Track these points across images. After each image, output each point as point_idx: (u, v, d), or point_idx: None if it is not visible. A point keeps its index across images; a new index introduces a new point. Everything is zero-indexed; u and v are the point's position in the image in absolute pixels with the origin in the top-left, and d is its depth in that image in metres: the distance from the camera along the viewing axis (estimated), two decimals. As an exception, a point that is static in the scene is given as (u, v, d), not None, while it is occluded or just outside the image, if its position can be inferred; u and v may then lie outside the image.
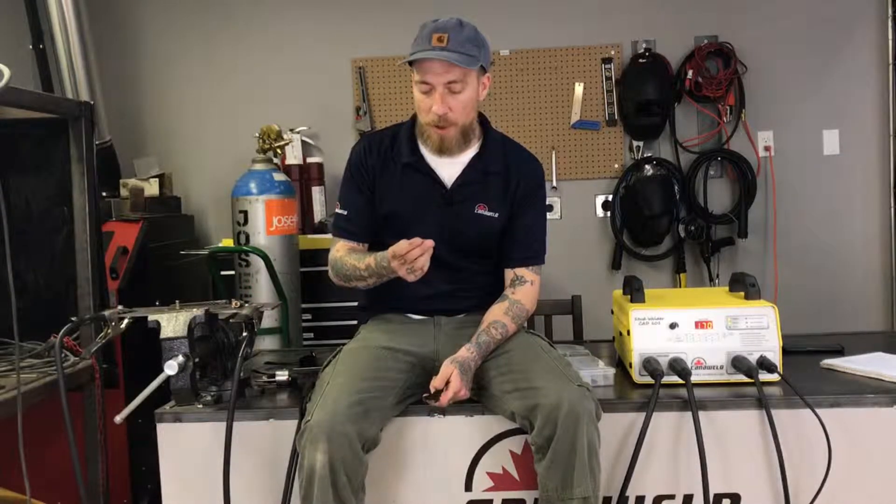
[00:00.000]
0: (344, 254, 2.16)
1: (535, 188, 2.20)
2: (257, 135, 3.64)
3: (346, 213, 2.20)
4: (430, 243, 1.89)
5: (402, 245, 1.88)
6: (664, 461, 1.98)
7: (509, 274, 2.18)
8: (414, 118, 2.21)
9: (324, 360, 2.12)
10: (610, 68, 4.24)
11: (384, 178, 2.18)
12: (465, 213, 2.14)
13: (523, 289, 2.15)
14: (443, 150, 2.13)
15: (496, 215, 2.15)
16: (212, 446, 1.94)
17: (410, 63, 2.06)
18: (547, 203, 4.05)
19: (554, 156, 4.27)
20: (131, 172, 4.07)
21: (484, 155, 2.17)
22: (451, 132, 2.10)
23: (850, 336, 2.52)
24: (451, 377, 1.89)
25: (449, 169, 2.16)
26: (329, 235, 3.62)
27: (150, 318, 1.95)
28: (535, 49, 4.26)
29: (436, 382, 1.90)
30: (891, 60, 4.12)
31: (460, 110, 2.07)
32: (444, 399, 1.88)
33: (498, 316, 2.08)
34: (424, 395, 1.94)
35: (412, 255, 1.88)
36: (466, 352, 1.97)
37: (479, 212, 2.14)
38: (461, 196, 2.15)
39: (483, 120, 2.23)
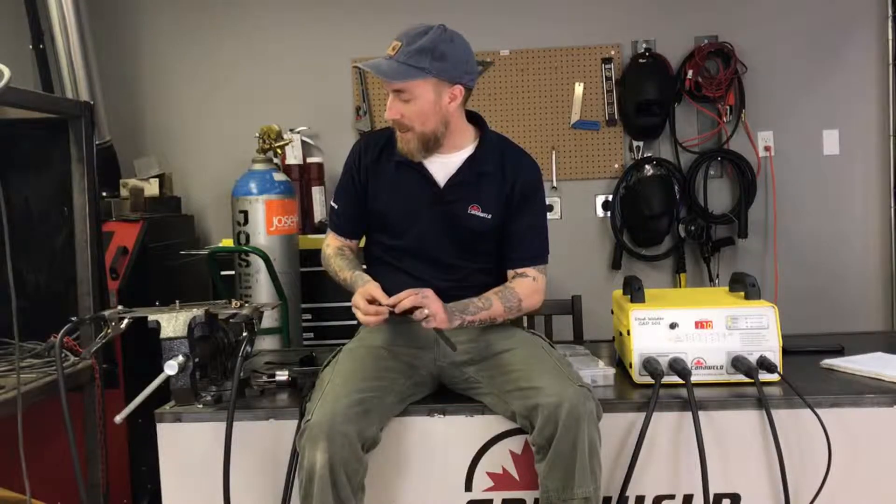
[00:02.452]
0: (333, 252, 2.23)
1: (532, 189, 2.19)
2: (257, 135, 3.64)
3: (337, 207, 2.26)
4: (383, 316, 1.93)
5: (369, 309, 1.94)
6: (664, 461, 1.98)
7: (511, 274, 2.18)
8: None
9: (324, 360, 2.12)
10: (610, 68, 4.24)
11: (379, 176, 2.18)
12: (458, 213, 2.14)
13: (522, 281, 2.15)
14: (407, 154, 2.11)
15: (489, 216, 2.14)
16: (212, 446, 1.94)
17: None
18: (547, 203, 4.06)
19: (554, 156, 4.28)
20: (131, 172, 4.07)
21: (478, 155, 2.16)
22: (409, 136, 2.09)
23: (850, 336, 2.51)
24: (423, 297, 1.92)
25: (442, 168, 2.16)
26: (329, 235, 3.56)
27: (150, 318, 1.95)
28: (535, 49, 4.26)
29: (398, 297, 1.92)
30: (891, 60, 4.12)
31: (414, 118, 2.06)
32: (409, 294, 1.91)
33: (488, 294, 2.09)
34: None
35: (369, 318, 1.94)
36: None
37: (472, 212, 2.14)
38: (453, 196, 2.14)
39: (479, 121, 2.22)
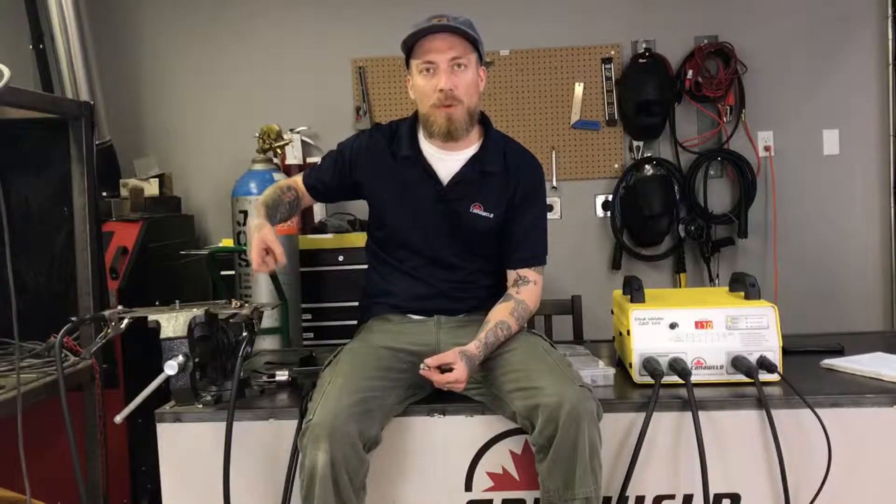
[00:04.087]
0: (282, 184, 2.25)
1: (535, 189, 2.20)
2: (257, 135, 3.64)
3: (319, 166, 2.29)
4: (271, 268, 1.99)
5: (261, 264, 1.96)
6: (664, 461, 1.98)
7: (512, 275, 2.18)
8: (415, 116, 2.21)
9: (324, 360, 2.12)
10: (610, 68, 4.24)
11: (380, 174, 2.18)
12: (460, 212, 2.14)
13: (527, 288, 2.14)
14: (450, 133, 2.10)
15: (491, 216, 2.14)
16: (212, 446, 1.94)
17: (410, 49, 2.08)
18: (547, 203, 4.05)
19: (554, 156, 4.27)
20: (131, 172, 4.07)
21: (483, 154, 2.16)
22: (459, 111, 2.08)
23: (850, 336, 2.51)
24: (455, 364, 1.90)
25: (446, 166, 2.16)
26: (330, 235, 3.65)
27: (150, 318, 1.95)
28: (535, 49, 4.26)
29: (433, 361, 1.90)
30: (891, 60, 4.13)
31: (465, 88, 2.07)
32: (442, 379, 1.89)
33: (503, 316, 2.07)
34: (422, 365, 1.91)
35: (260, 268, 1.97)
36: (475, 348, 1.97)
37: (475, 211, 2.14)
38: (456, 194, 2.14)
39: (484, 119, 2.22)
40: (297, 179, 2.30)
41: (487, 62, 4.17)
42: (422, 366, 1.90)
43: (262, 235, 1.97)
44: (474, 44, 2.09)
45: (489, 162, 2.16)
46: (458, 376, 1.89)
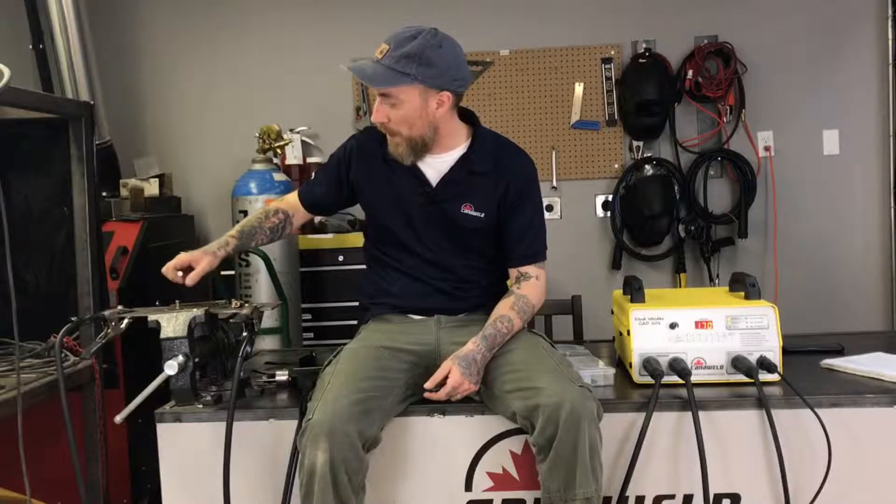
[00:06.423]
0: (270, 208, 2.27)
1: (527, 186, 2.17)
2: (257, 135, 3.64)
3: (314, 178, 2.33)
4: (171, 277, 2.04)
5: (176, 276, 2.04)
6: (664, 461, 1.98)
7: (513, 272, 2.17)
8: None
9: (324, 360, 2.11)
10: (610, 68, 4.24)
11: (371, 177, 2.18)
12: (450, 213, 2.13)
13: (529, 284, 2.14)
14: (396, 156, 2.11)
15: (482, 215, 2.13)
16: (212, 446, 1.94)
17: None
18: (547, 203, 4.06)
19: (554, 156, 4.28)
20: (131, 172, 4.07)
21: (471, 154, 2.15)
22: (398, 140, 2.08)
23: (850, 336, 2.51)
24: (449, 372, 1.90)
25: (435, 168, 2.15)
26: (330, 236, 3.64)
27: (150, 318, 1.95)
28: (535, 49, 4.26)
29: (430, 384, 1.92)
30: (891, 60, 4.12)
31: (399, 122, 2.05)
32: (442, 393, 1.90)
33: (505, 311, 2.07)
34: (426, 389, 1.93)
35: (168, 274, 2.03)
36: (472, 345, 1.97)
37: (465, 211, 2.13)
38: (446, 195, 2.14)
39: (472, 119, 2.20)
40: (289, 198, 2.31)
41: (487, 62, 4.17)
42: (425, 393, 1.93)
43: (192, 256, 2.05)
44: (414, 76, 1.98)
45: (478, 162, 2.14)
46: (453, 383, 1.90)
